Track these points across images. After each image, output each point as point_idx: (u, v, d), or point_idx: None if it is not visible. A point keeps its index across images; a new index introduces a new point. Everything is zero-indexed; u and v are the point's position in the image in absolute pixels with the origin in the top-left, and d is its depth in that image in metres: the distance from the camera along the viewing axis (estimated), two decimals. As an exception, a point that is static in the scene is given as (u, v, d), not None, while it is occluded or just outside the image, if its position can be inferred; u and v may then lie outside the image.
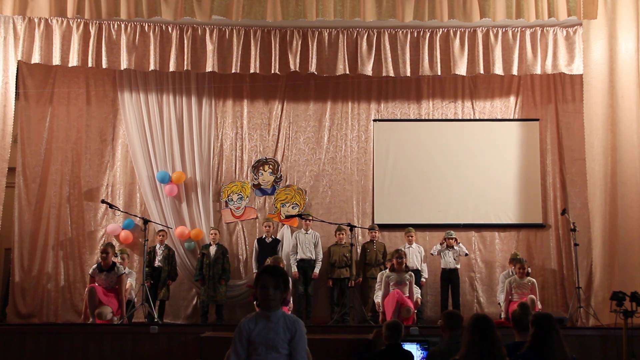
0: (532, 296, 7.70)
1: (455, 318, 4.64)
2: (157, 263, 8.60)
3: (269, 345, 3.31)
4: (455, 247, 8.64)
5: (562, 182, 9.36)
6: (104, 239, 9.18)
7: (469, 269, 9.22)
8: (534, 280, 7.98)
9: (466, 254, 8.67)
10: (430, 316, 8.84)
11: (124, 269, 7.84)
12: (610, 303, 5.77)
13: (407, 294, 7.71)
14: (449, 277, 8.59)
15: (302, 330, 3.39)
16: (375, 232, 8.82)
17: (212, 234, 8.76)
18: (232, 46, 8.57)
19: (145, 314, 8.21)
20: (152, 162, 9.29)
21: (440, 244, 8.65)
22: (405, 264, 7.82)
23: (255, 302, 3.51)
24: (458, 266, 8.64)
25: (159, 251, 8.66)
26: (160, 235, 8.74)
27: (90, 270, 7.76)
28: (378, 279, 8.06)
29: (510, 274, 8.22)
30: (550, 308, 8.82)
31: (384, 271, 8.01)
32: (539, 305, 7.85)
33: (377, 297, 7.97)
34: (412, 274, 7.90)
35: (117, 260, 7.85)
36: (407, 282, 7.71)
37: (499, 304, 8.33)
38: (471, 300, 9.12)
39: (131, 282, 8.27)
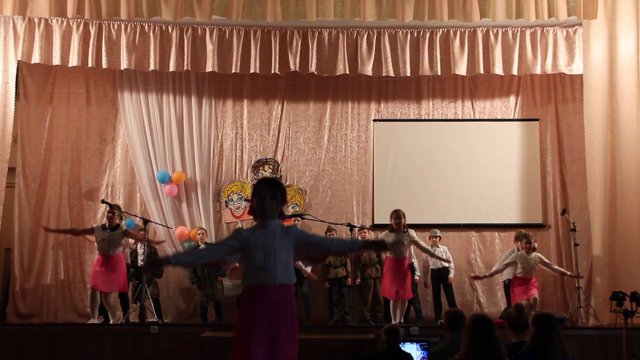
0: (535, 295, 7.68)
1: (457, 318, 4.64)
2: (139, 263, 8.42)
3: (267, 249, 3.36)
4: (439, 247, 8.61)
5: (562, 182, 9.35)
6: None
7: (469, 269, 9.21)
8: (540, 255, 7.87)
9: (448, 262, 8.53)
10: (430, 316, 8.83)
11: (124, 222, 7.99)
12: (610, 303, 5.79)
13: (406, 255, 7.71)
14: (439, 277, 8.54)
15: (300, 229, 3.54)
16: (365, 233, 8.80)
17: (199, 234, 8.67)
18: (232, 46, 8.57)
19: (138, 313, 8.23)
20: (152, 162, 9.28)
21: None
22: (404, 224, 7.73)
23: (252, 217, 3.53)
24: (447, 264, 8.53)
25: (140, 251, 8.46)
26: (141, 233, 8.53)
27: (94, 225, 7.84)
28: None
29: (515, 251, 8.10)
30: (550, 308, 8.82)
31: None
32: (565, 272, 7.99)
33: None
34: (412, 234, 7.76)
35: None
36: (406, 242, 7.67)
37: (492, 271, 8.12)
38: (471, 300, 9.11)
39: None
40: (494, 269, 8.11)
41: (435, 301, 8.59)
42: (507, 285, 8.18)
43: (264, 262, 3.35)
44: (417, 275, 8.67)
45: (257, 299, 3.35)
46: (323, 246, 3.51)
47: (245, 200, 8.85)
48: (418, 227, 9.00)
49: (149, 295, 8.13)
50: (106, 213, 7.93)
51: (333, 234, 8.67)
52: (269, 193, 3.42)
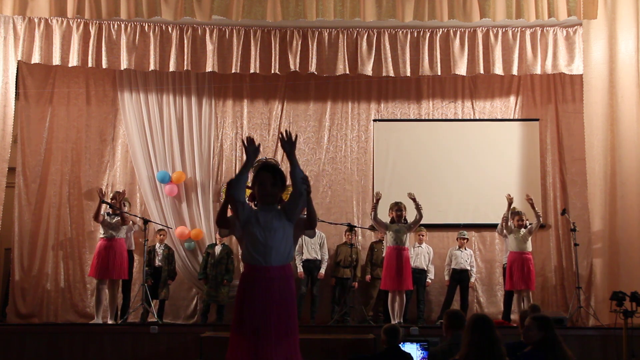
0: (530, 291, 7.91)
1: (457, 318, 4.65)
2: (157, 263, 8.60)
3: (268, 228, 3.44)
4: (466, 250, 8.65)
5: (562, 182, 9.35)
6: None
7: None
8: (529, 231, 8.06)
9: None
10: (430, 316, 8.84)
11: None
12: (610, 303, 5.79)
13: (406, 244, 7.85)
14: (460, 278, 8.57)
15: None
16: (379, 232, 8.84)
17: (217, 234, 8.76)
18: (232, 46, 8.57)
19: (140, 314, 8.24)
20: (152, 162, 9.28)
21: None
22: (405, 216, 7.91)
23: (253, 203, 3.59)
24: (469, 268, 8.61)
25: (159, 250, 8.66)
26: (160, 235, 8.74)
27: (103, 213, 8.00)
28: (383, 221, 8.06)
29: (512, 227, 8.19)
30: (550, 308, 8.83)
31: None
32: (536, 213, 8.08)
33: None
34: (410, 225, 7.91)
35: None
36: (405, 229, 7.85)
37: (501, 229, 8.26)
38: (471, 300, 9.09)
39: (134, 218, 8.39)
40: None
41: (447, 301, 8.58)
42: (505, 269, 8.25)
43: (265, 239, 3.42)
44: (430, 279, 8.69)
45: (258, 277, 3.40)
46: (293, 188, 3.52)
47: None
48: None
49: (161, 297, 8.29)
50: (110, 200, 8.09)
51: (352, 235, 8.67)
52: (270, 180, 3.50)
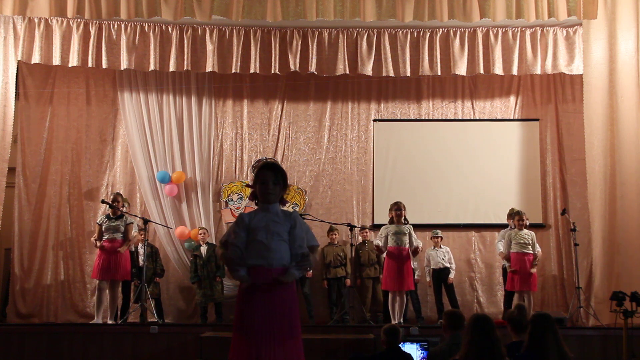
0: (530, 292, 7.84)
1: (456, 318, 4.65)
2: (140, 262, 8.47)
3: (269, 230, 3.41)
4: (442, 247, 8.60)
5: (562, 182, 9.36)
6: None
7: (469, 269, 9.22)
8: (533, 233, 8.01)
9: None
10: (430, 316, 8.83)
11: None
12: (610, 303, 5.79)
13: (406, 244, 7.74)
14: (441, 277, 8.54)
15: (301, 219, 3.54)
16: (365, 232, 8.82)
17: (200, 234, 8.70)
18: (232, 46, 8.58)
19: (139, 313, 8.24)
20: (152, 162, 9.29)
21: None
22: (404, 216, 7.85)
23: (254, 202, 3.58)
24: (449, 265, 8.56)
25: (141, 250, 8.53)
26: (140, 234, 8.52)
27: (99, 219, 7.98)
28: (380, 232, 7.99)
29: (511, 228, 8.16)
30: (550, 308, 8.83)
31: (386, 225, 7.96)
32: (538, 250, 8.01)
33: (377, 241, 7.93)
34: (410, 226, 7.85)
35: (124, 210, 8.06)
36: (406, 232, 7.78)
37: (499, 253, 8.26)
38: (471, 300, 9.12)
39: (135, 231, 8.22)
40: (500, 247, 8.22)
41: (436, 301, 8.58)
42: (505, 270, 8.21)
43: (267, 242, 3.40)
44: (417, 275, 8.68)
45: (260, 279, 3.38)
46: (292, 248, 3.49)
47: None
48: (418, 227, 8.99)
49: (149, 295, 8.13)
50: (111, 200, 8.03)
51: (334, 235, 8.68)
52: (271, 178, 3.47)
